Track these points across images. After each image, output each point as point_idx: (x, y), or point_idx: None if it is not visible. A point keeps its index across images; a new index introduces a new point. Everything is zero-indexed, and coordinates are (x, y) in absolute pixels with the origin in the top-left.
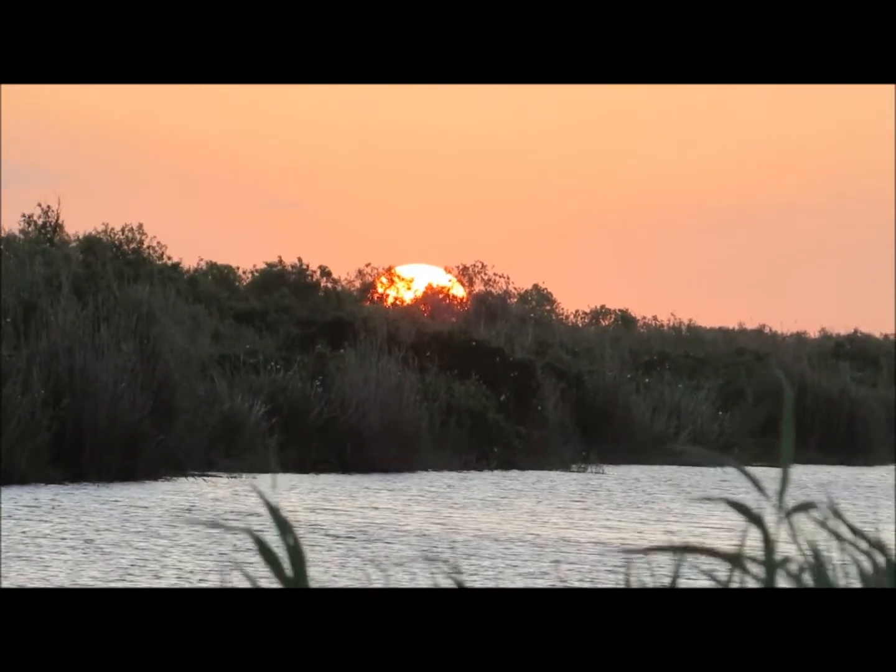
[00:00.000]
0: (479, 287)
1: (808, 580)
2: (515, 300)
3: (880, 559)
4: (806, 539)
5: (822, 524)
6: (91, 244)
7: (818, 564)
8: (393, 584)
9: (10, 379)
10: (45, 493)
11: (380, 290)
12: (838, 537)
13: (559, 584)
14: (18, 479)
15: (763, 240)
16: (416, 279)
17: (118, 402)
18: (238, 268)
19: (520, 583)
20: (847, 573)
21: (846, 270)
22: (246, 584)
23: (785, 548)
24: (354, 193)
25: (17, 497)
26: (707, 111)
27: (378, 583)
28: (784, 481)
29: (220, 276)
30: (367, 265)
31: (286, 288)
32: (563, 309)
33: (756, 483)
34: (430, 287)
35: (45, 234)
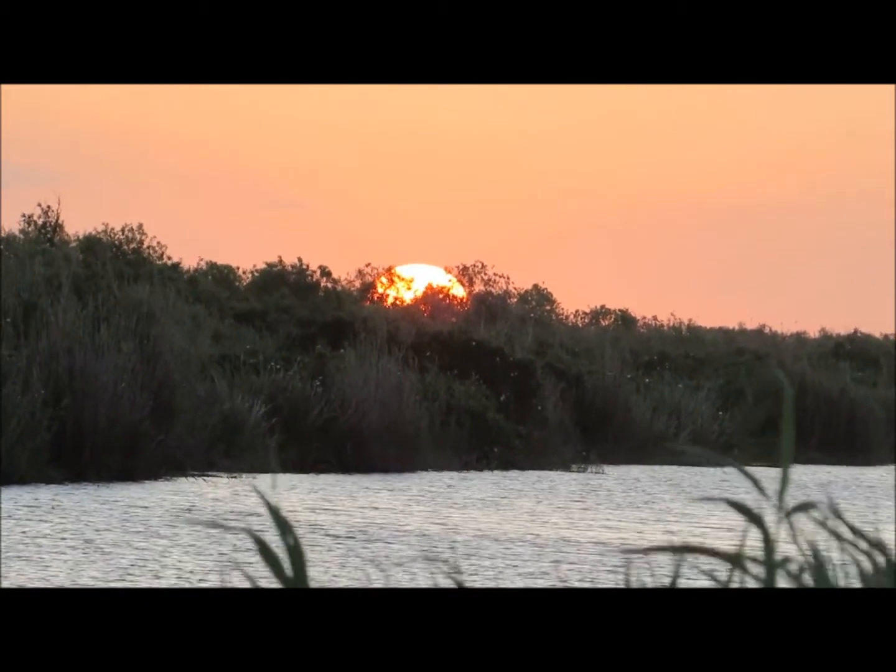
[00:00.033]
0: (479, 287)
1: (808, 580)
2: (515, 300)
3: (880, 559)
4: (806, 539)
5: (822, 524)
6: (91, 244)
7: (818, 564)
8: (393, 584)
9: (10, 379)
10: (45, 493)
11: (380, 290)
12: (838, 537)
13: (559, 584)
14: (18, 479)
15: (763, 240)
16: (416, 279)
17: (118, 402)
18: (238, 268)
19: (520, 583)
20: (847, 573)
21: (846, 270)
22: (246, 584)
23: (785, 548)
24: (354, 193)
25: (17, 497)
26: (707, 111)
27: (378, 583)
28: (784, 481)
29: (220, 276)
30: (367, 265)
31: (286, 288)
32: (563, 309)
33: (756, 483)
34: (430, 287)
35: (45, 234)
